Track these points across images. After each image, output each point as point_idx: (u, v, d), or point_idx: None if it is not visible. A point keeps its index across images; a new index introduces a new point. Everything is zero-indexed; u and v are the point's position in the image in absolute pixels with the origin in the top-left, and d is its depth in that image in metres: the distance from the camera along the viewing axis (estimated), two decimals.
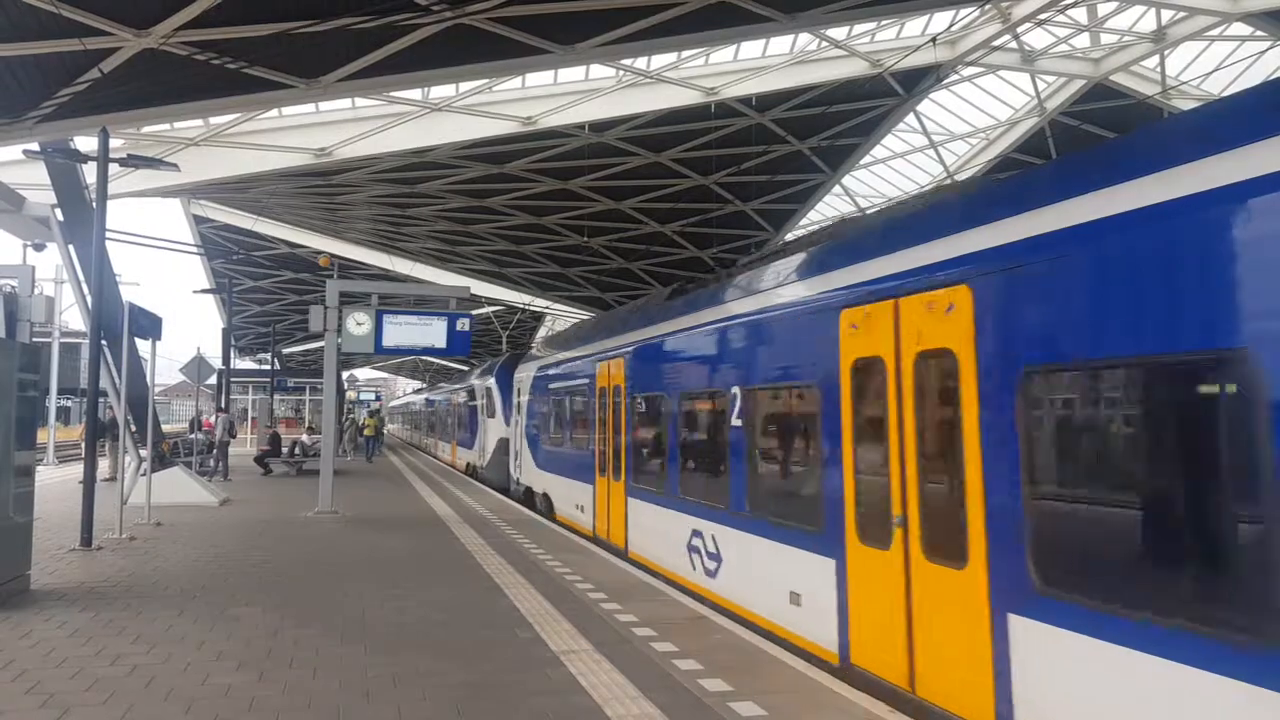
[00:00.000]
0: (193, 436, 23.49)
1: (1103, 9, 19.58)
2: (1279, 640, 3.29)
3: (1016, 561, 4.55)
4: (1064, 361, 4.44)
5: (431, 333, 16.04)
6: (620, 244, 32.81)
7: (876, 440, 5.86)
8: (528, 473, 17.71)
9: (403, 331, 15.83)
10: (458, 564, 10.07)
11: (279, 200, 27.57)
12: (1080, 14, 19.76)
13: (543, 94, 20.80)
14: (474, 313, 29.40)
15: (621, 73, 20.19)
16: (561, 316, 47.15)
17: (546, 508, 15.80)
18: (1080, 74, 21.25)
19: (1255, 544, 3.46)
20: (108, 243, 12.82)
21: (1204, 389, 3.83)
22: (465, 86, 19.87)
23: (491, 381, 23.43)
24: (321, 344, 16.52)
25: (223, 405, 27.40)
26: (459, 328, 16.20)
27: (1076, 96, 21.86)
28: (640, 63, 19.63)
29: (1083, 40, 20.85)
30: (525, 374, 18.17)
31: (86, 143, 14.82)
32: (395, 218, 30.28)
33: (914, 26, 20.28)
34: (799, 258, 7.40)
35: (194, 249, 30.39)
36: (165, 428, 33.43)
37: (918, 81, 21.43)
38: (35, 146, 14.90)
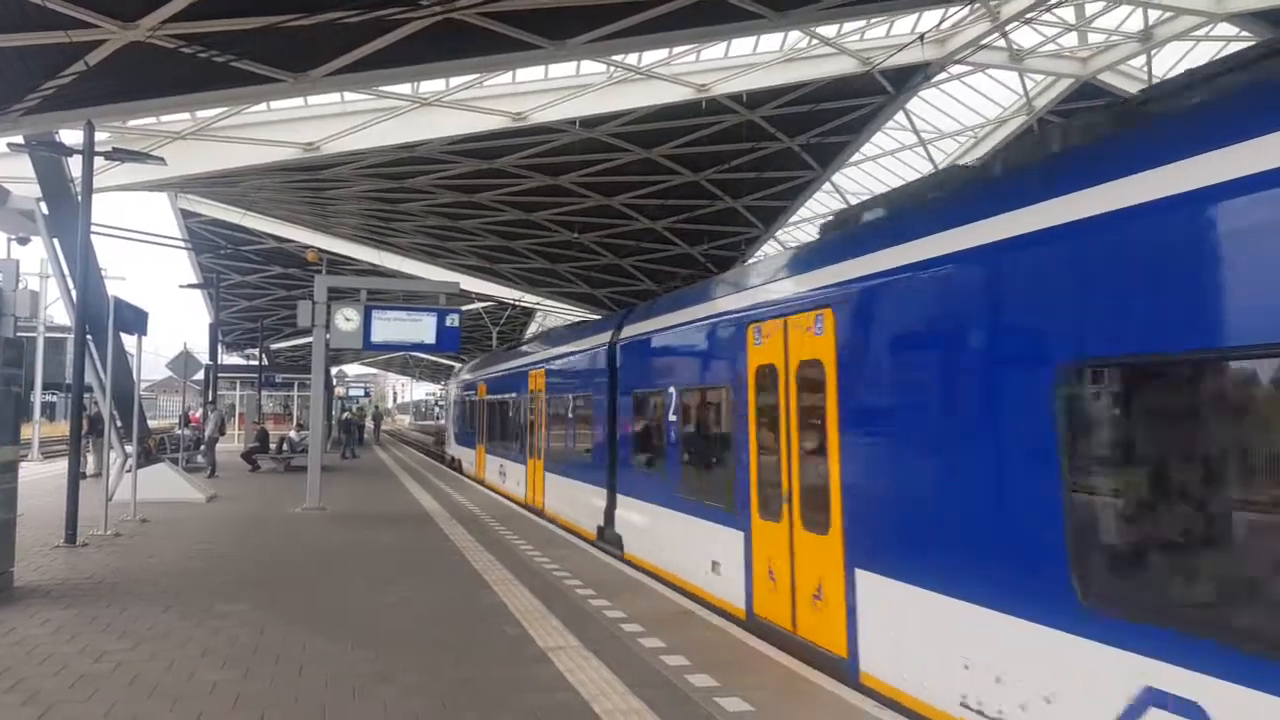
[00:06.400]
0: (180, 432, 23.36)
1: (1090, 8, 19.72)
2: None
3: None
4: None
5: (421, 328, 15.99)
6: (611, 240, 32.77)
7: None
8: None
9: (392, 327, 15.77)
10: (445, 560, 10.06)
11: (267, 195, 27.40)
12: (1068, 13, 19.87)
13: (533, 89, 20.73)
14: (464, 308, 29.29)
15: (612, 69, 20.16)
16: (552, 313, 47.06)
17: None
18: (1068, 73, 21.38)
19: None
20: (93, 237, 12.72)
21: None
22: (455, 81, 19.77)
23: None
24: (310, 340, 16.44)
25: (211, 400, 27.27)
26: (448, 323, 16.15)
27: (1064, 95, 22.00)
28: (631, 59, 19.61)
29: (1070, 39, 20.98)
30: None
31: (72, 136, 14.72)
32: (384, 213, 30.15)
33: (903, 25, 20.35)
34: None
35: (181, 243, 30.15)
36: (152, 423, 33.24)
37: (907, 79, 21.48)
38: (20, 140, 14.79)
